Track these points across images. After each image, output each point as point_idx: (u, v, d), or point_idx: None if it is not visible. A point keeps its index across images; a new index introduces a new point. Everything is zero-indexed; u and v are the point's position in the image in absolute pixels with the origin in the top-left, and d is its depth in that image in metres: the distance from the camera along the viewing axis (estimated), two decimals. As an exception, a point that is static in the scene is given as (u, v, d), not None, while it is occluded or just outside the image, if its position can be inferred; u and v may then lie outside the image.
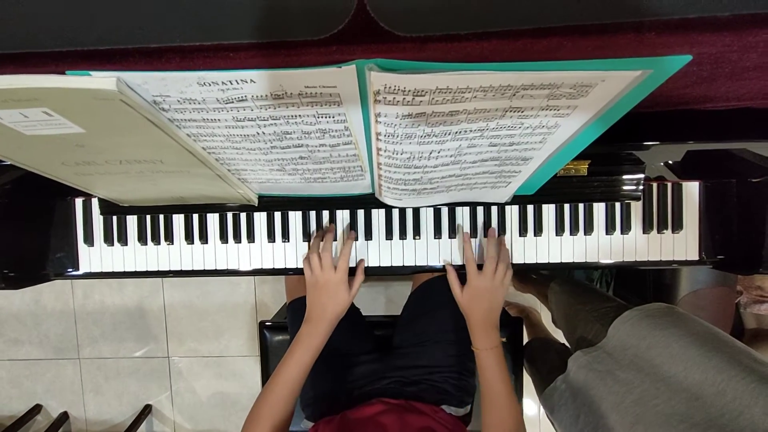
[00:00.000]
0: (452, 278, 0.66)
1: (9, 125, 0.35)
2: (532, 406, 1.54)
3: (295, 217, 0.70)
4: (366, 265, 0.69)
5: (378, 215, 0.70)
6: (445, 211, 0.69)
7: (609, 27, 0.26)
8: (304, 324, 0.64)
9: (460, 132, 0.40)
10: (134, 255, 0.71)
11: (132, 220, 0.71)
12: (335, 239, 0.69)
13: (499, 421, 0.61)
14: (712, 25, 0.26)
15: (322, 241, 0.65)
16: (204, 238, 0.71)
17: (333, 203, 0.68)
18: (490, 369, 0.62)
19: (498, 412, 0.62)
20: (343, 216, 0.70)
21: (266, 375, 0.94)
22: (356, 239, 0.69)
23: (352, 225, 0.70)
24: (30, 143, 0.39)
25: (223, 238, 0.71)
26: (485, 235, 0.69)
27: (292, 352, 0.63)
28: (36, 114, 0.34)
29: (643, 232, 0.68)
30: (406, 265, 0.70)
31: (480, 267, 0.65)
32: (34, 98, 0.32)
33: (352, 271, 0.66)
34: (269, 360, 0.94)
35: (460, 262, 0.69)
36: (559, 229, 0.68)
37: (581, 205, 0.68)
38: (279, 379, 0.61)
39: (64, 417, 1.66)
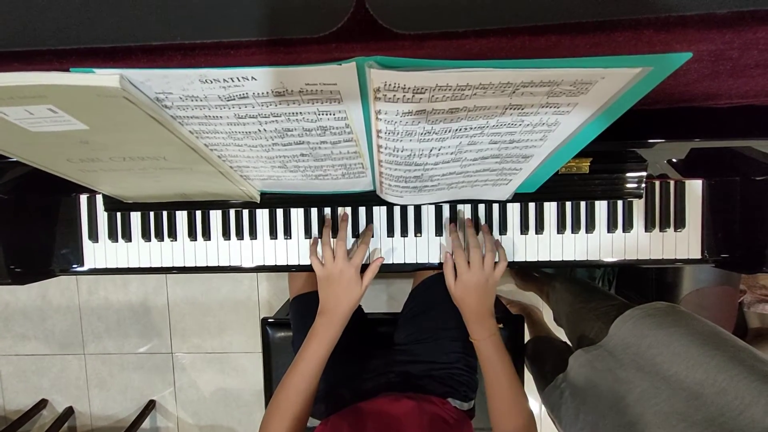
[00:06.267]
0: (448, 269, 0.65)
1: (15, 122, 0.36)
2: (533, 404, 1.52)
3: (296, 215, 0.70)
4: (367, 262, 0.70)
5: (379, 212, 0.70)
6: (446, 208, 0.69)
7: (606, 24, 0.26)
8: (318, 317, 0.64)
9: (461, 129, 0.40)
10: (138, 251, 0.72)
11: (136, 217, 0.72)
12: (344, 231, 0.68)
13: (507, 409, 0.61)
14: (710, 23, 0.26)
15: (331, 232, 0.65)
16: (207, 235, 0.71)
17: (335, 200, 0.69)
18: (490, 358, 0.62)
19: (504, 402, 0.61)
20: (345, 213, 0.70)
21: (269, 371, 0.95)
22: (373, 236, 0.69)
23: (354, 222, 0.70)
24: (35, 140, 0.40)
25: (226, 234, 0.71)
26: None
27: (307, 346, 0.62)
28: (41, 111, 0.34)
29: (645, 231, 0.68)
30: (407, 262, 0.70)
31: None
32: (39, 95, 0.32)
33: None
34: (271, 356, 0.95)
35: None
36: (561, 227, 0.68)
37: (583, 203, 0.68)
38: (296, 373, 0.61)
39: (69, 411, 1.68)
